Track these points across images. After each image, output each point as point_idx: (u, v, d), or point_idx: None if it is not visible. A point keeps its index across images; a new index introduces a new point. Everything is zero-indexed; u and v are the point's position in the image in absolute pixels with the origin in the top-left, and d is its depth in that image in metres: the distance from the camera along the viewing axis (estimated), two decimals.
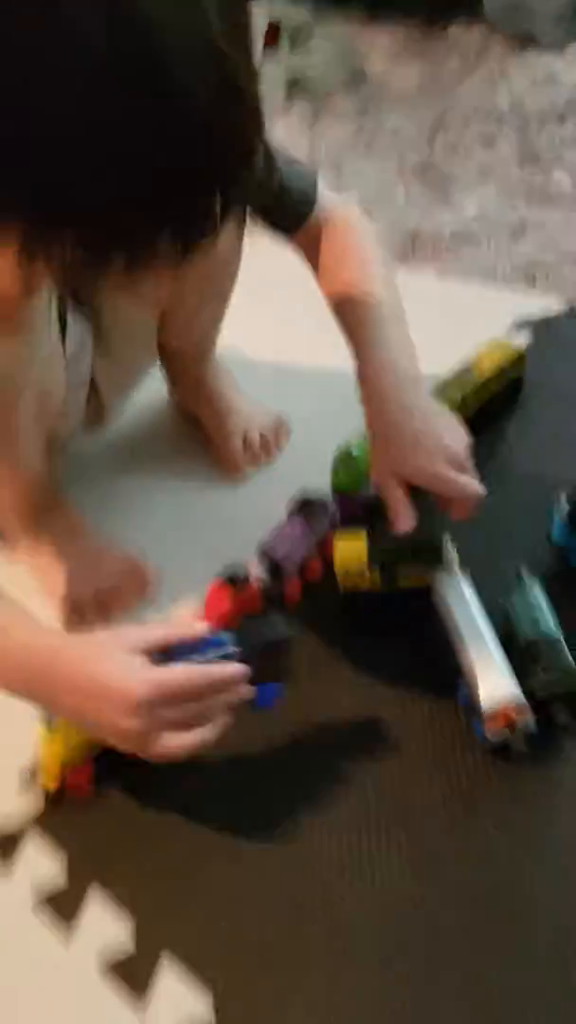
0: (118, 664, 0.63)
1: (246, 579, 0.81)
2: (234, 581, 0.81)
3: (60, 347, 0.81)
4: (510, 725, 0.68)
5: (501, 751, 0.70)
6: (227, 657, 0.66)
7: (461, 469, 0.74)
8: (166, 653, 0.64)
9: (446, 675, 0.75)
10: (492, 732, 0.69)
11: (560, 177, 1.40)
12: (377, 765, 0.72)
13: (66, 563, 0.90)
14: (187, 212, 0.50)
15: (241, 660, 0.65)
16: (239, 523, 0.95)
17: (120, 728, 0.62)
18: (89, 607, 0.88)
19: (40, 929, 0.66)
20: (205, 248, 0.52)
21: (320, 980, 0.61)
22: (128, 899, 0.66)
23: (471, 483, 0.73)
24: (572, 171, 1.41)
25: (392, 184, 1.49)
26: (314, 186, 0.85)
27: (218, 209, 0.51)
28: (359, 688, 0.77)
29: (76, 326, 0.83)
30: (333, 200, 0.86)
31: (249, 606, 0.82)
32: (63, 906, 0.67)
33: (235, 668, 0.65)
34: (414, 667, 0.78)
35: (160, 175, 0.47)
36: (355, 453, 0.88)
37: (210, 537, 0.94)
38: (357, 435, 0.89)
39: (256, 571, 0.83)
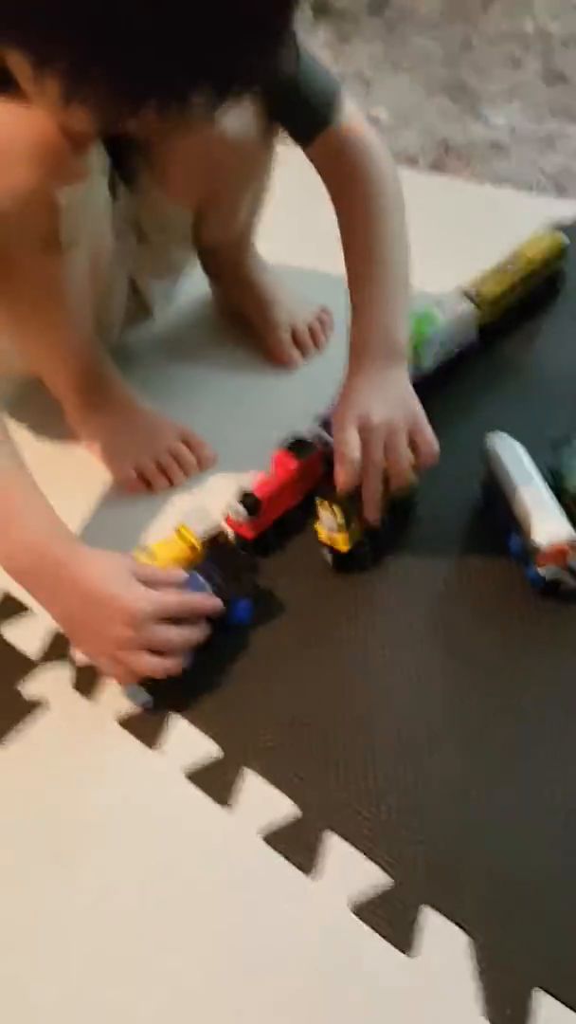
0: (124, 582, 0.71)
1: (310, 444, 0.85)
2: (298, 447, 0.85)
3: (110, 206, 0.83)
4: (563, 562, 0.74)
5: (552, 591, 0.76)
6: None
7: (378, 435, 0.76)
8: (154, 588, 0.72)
9: (498, 530, 0.80)
10: (545, 569, 0.74)
11: None
12: (433, 611, 0.78)
13: (124, 436, 0.94)
14: (219, 66, 0.54)
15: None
16: (292, 412, 0.97)
17: (112, 635, 0.69)
18: (152, 474, 0.92)
19: (131, 741, 0.72)
20: (225, 111, 0.57)
21: (381, 776, 0.67)
22: (208, 725, 0.72)
23: (349, 464, 0.75)
24: None
25: (421, 99, 1.52)
26: (336, 97, 0.82)
27: (246, 70, 0.56)
28: (412, 545, 0.83)
29: (120, 202, 0.86)
30: (356, 118, 0.84)
31: (313, 469, 0.85)
32: (147, 733, 0.72)
33: (215, 603, 0.73)
34: (467, 523, 0.84)
35: (195, 26, 0.51)
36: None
37: (264, 424, 0.97)
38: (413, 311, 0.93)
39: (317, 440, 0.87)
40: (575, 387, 0.96)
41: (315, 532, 0.80)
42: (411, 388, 0.82)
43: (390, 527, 0.81)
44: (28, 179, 0.70)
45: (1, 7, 0.52)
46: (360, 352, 0.82)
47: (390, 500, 0.79)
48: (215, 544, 0.79)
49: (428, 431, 0.79)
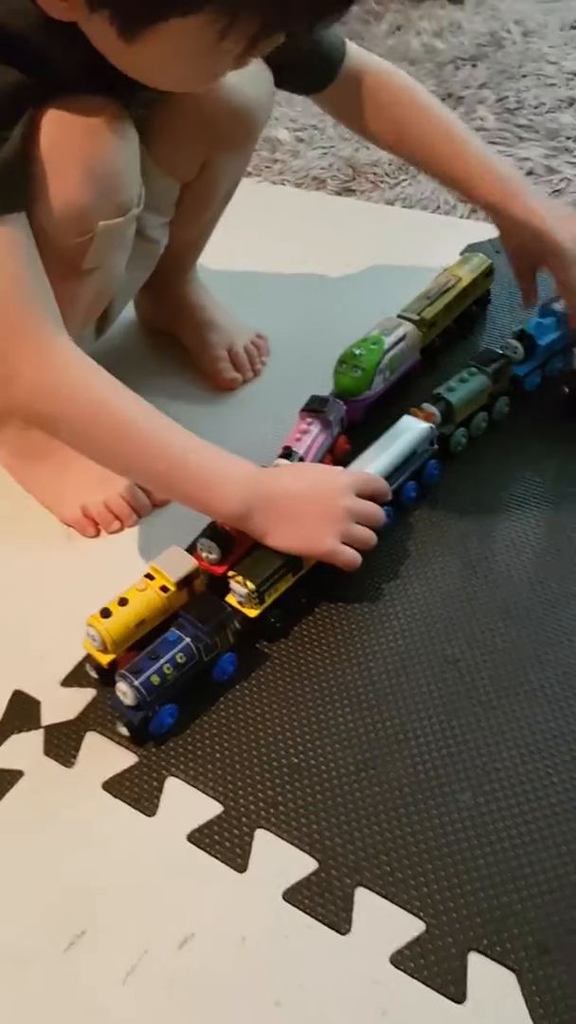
0: (314, 467, 0.81)
1: None
2: None
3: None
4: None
5: None
6: None
7: None
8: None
9: None
10: None
11: (484, 114, 1.47)
12: None
13: (73, 477, 0.89)
14: None
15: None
16: (239, 442, 0.92)
17: (336, 509, 0.74)
18: (102, 516, 0.87)
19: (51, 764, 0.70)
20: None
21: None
22: (204, 783, 0.68)
23: None
24: (493, 109, 1.49)
25: (320, 119, 1.52)
26: (341, 39, 0.86)
27: None
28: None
29: None
30: (361, 51, 0.89)
31: None
32: (64, 751, 0.70)
33: (386, 486, 0.80)
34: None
35: None
36: (358, 352, 0.91)
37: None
38: (354, 338, 0.92)
39: None
40: None
41: None
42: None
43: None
44: (78, 193, 0.68)
45: None
46: (510, 195, 0.89)
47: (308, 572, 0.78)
48: (190, 585, 0.76)
49: None
